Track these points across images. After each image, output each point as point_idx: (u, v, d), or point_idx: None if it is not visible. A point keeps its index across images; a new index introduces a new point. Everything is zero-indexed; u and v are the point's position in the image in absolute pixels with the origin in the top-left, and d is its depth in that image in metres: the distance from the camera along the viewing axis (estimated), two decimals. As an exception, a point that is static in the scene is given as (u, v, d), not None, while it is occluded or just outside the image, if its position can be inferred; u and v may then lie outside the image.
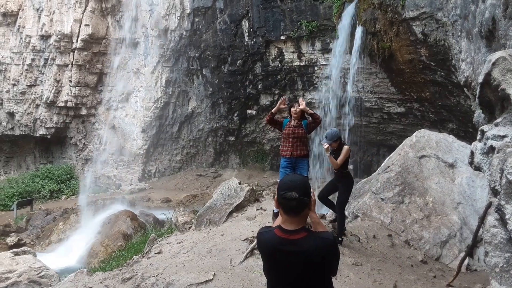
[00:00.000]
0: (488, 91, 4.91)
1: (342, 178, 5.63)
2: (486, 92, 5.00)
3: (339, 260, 2.36)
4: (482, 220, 3.77)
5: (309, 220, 2.39)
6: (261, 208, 6.17)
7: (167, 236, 6.32)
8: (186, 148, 23.77)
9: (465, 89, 11.20)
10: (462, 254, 5.94)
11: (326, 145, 5.37)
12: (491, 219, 3.62)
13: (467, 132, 14.00)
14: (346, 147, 5.46)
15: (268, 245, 2.31)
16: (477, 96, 5.67)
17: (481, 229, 4.28)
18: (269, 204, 6.13)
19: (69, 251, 13.85)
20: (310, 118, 5.79)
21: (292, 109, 5.85)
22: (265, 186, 18.06)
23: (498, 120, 4.80)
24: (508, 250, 3.36)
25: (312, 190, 2.31)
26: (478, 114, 8.19)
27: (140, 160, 22.81)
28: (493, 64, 4.56)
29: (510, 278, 3.35)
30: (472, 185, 6.89)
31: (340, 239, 5.21)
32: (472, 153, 5.14)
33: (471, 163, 5.21)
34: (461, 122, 14.23)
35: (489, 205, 3.77)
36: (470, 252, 4.94)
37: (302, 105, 5.75)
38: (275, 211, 5.76)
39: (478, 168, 5.09)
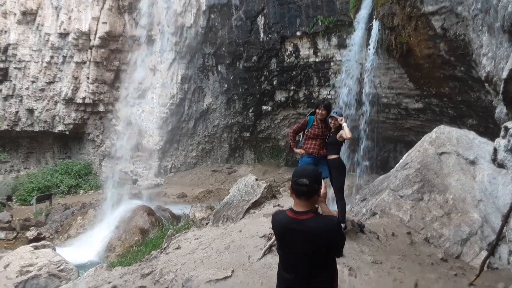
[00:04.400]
0: (513, 86, 4.80)
1: (335, 164, 5.75)
2: (510, 88, 4.89)
3: (343, 242, 2.68)
4: (506, 218, 3.69)
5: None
6: (278, 204, 6.17)
7: (185, 232, 6.37)
8: (201, 144, 23.92)
9: (486, 84, 10.96)
10: (483, 252, 5.84)
11: (341, 118, 5.67)
12: (517, 217, 3.55)
13: (487, 128, 13.71)
14: (345, 124, 5.62)
15: (280, 224, 2.66)
16: (500, 92, 5.54)
17: (505, 227, 4.19)
18: (287, 200, 6.11)
19: (87, 245, 14.08)
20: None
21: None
22: (281, 182, 18.06)
23: (523, 116, 4.68)
24: (535, 250, 3.29)
25: (323, 183, 2.66)
26: (500, 110, 8.00)
27: (156, 156, 23.05)
28: (519, 58, 4.44)
29: (537, 278, 3.28)
30: (494, 182, 6.73)
31: (342, 225, 5.24)
32: (495, 150, 5.03)
33: (494, 160, 5.11)
34: (481, 117, 13.94)
35: (514, 203, 3.69)
36: (492, 250, 4.84)
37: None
38: None
39: (501, 165, 4.98)
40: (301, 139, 5.90)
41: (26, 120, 23.87)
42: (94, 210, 16.52)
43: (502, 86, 4.83)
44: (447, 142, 7.38)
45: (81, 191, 22.29)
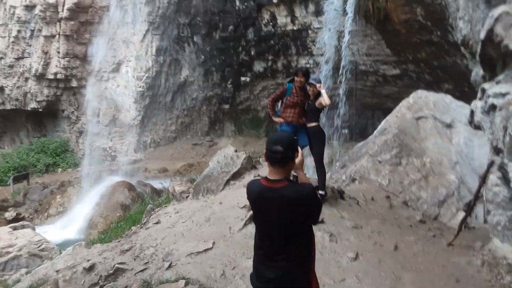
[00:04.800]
0: (490, 48, 4.76)
1: (314, 132, 5.71)
2: (487, 50, 4.85)
3: (320, 209, 2.58)
4: (483, 179, 3.73)
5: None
6: (258, 175, 6.10)
7: (165, 206, 6.28)
8: (180, 118, 23.54)
9: (462, 48, 10.95)
10: (460, 213, 5.98)
11: (319, 85, 5.58)
12: (494, 177, 3.59)
13: (463, 92, 13.88)
14: (324, 90, 5.49)
15: (254, 194, 2.57)
16: (478, 53, 5.52)
17: (482, 187, 4.26)
18: (267, 170, 6.08)
19: (68, 223, 13.94)
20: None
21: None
22: (262, 153, 18.01)
23: (500, 77, 4.67)
24: (511, 208, 3.34)
25: (300, 150, 2.56)
26: (476, 73, 8.04)
27: (134, 131, 22.58)
28: (496, 19, 4.39)
29: (512, 235, 3.36)
30: (470, 144, 6.85)
31: (322, 193, 5.25)
32: (472, 112, 5.05)
33: (470, 122, 5.14)
34: (457, 82, 14.10)
35: (491, 163, 3.72)
36: (470, 211, 4.95)
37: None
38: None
39: (478, 127, 5.01)
40: (280, 108, 5.79)
41: (-4, 99, 22.98)
42: (73, 188, 16.27)
43: (479, 48, 4.78)
44: (424, 107, 7.43)
45: (59, 170, 21.81)
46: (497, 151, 3.66)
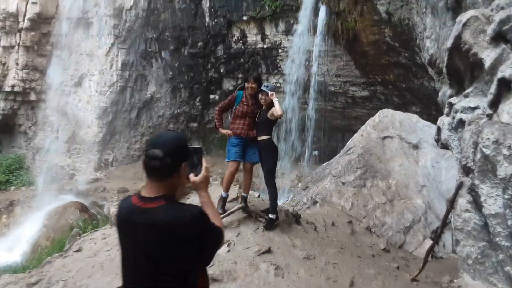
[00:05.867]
0: (457, 58, 4.35)
1: (265, 145, 5.12)
2: (455, 59, 4.45)
3: (215, 245, 1.84)
4: (451, 203, 3.21)
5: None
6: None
7: (94, 231, 5.50)
8: (145, 135, 22.60)
9: (429, 69, 10.84)
10: (427, 241, 5.49)
11: (271, 93, 5.00)
12: (463, 202, 3.07)
13: (430, 115, 13.81)
14: (277, 100, 4.93)
15: (120, 214, 1.88)
16: (445, 64, 5.14)
17: (450, 213, 3.75)
18: (216, 190, 5.42)
19: (12, 245, 12.74)
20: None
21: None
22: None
23: (468, 90, 4.24)
24: (483, 238, 2.82)
25: (204, 163, 1.92)
26: (443, 93, 7.74)
27: (96, 149, 21.47)
28: (464, 25, 3.97)
29: (485, 271, 2.81)
30: (437, 167, 6.45)
31: (272, 216, 4.64)
32: (438, 129, 4.59)
33: (437, 140, 4.68)
34: (425, 105, 14.03)
35: (460, 185, 3.22)
36: (437, 240, 4.44)
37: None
38: (223, 195, 5.10)
39: (445, 146, 4.56)
40: (229, 118, 5.20)
41: None
42: (21, 208, 15.05)
43: (446, 58, 4.36)
44: (390, 126, 7.02)
45: (12, 188, 20.30)
46: (466, 171, 3.15)
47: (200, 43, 18.65)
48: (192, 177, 1.96)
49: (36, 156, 21.99)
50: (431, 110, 13.55)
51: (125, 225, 1.82)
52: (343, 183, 6.33)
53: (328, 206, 5.91)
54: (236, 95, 5.09)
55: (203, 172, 1.94)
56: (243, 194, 5.12)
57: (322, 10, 13.64)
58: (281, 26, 16.37)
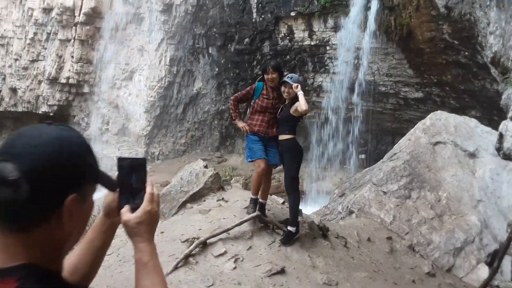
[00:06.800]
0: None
1: (287, 146, 4.53)
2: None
3: None
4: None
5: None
6: (222, 198, 5.00)
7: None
8: (191, 131, 22.84)
9: (491, 70, 9.80)
10: (481, 266, 4.75)
11: (296, 84, 4.43)
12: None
13: (491, 120, 12.60)
14: (302, 93, 4.35)
15: None
16: (511, 62, 4.39)
17: None
18: (235, 193, 4.99)
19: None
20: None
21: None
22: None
23: (541, 91, 3.53)
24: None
25: (149, 187, 1.17)
26: (507, 96, 6.86)
27: (143, 142, 22.01)
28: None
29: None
30: (497, 179, 5.62)
31: (292, 229, 4.08)
32: (501, 135, 3.88)
33: (498, 149, 3.96)
34: (485, 109, 12.82)
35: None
36: (498, 266, 3.74)
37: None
38: (253, 197, 4.64)
39: (508, 156, 3.84)
40: (247, 112, 4.72)
41: (9, 100, 22.86)
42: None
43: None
44: (443, 130, 6.25)
45: (63, 176, 21.28)
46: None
47: (246, 39, 18.39)
48: (125, 212, 1.13)
49: (88, 147, 22.89)
50: (492, 115, 12.34)
51: None
52: (385, 193, 5.68)
53: (366, 217, 5.29)
54: (256, 87, 4.61)
55: (145, 205, 1.13)
56: (260, 200, 4.60)
57: (374, 4, 12.85)
58: (330, 22, 15.68)
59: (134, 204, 1.15)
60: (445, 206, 5.48)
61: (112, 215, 1.20)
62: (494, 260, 4.84)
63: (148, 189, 1.17)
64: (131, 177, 1.21)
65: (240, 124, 4.59)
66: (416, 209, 5.42)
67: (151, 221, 1.13)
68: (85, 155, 1.00)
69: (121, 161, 1.25)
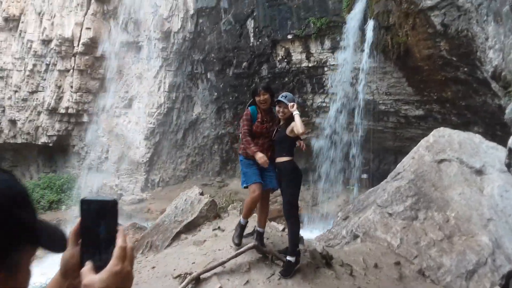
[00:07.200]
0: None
1: (285, 169, 4.28)
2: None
3: None
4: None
5: None
6: (218, 227, 4.73)
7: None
8: (191, 156, 22.68)
9: (492, 85, 9.67)
10: (496, 290, 4.46)
11: (291, 104, 4.28)
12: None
13: (494, 136, 12.37)
14: (298, 113, 4.15)
15: None
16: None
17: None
18: (231, 222, 4.74)
19: (50, 267, 12.77)
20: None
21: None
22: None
23: (550, 102, 3.35)
24: None
25: (120, 239, 0.89)
26: (511, 109, 6.71)
27: (143, 169, 21.83)
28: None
29: None
30: (507, 197, 5.38)
31: (291, 259, 3.80)
32: (510, 151, 3.69)
33: (508, 165, 3.75)
34: (488, 125, 12.62)
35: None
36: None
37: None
38: (242, 222, 4.37)
39: (519, 173, 3.65)
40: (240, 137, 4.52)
41: (8, 132, 22.82)
42: (66, 229, 15.22)
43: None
44: (447, 147, 6.05)
45: (63, 207, 20.95)
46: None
47: (244, 63, 18.45)
48: (87, 273, 0.88)
49: (87, 176, 22.68)
50: (495, 130, 12.15)
51: None
52: (390, 214, 5.43)
53: (371, 241, 5.03)
54: (250, 112, 4.42)
55: (114, 263, 0.87)
56: (258, 229, 4.35)
57: (370, 24, 12.88)
58: (327, 44, 15.74)
59: (100, 262, 0.89)
60: (454, 226, 5.22)
61: (70, 275, 0.93)
62: (508, 282, 4.57)
63: (119, 242, 0.89)
64: (98, 226, 0.94)
65: (262, 159, 4.18)
66: (424, 231, 5.16)
67: (121, 285, 0.85)
68: (15, 208, 0.74)
69: (85, 204, 0.96)
